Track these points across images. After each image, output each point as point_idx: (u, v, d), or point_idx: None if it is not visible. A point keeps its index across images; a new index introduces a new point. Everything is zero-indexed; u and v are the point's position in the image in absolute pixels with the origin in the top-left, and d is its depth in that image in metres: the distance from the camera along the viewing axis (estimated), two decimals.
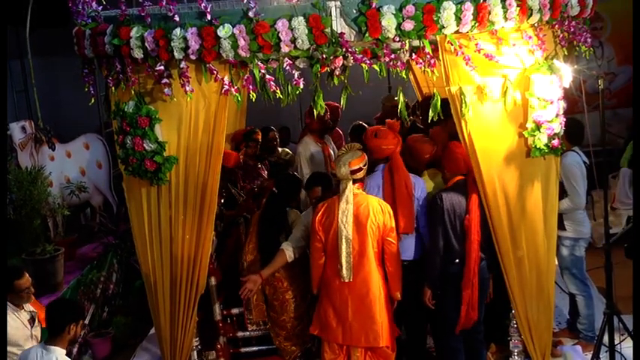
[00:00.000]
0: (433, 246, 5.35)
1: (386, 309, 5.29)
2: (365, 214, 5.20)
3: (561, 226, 5.99)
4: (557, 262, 5.93)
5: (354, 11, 4.61)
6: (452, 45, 4.73)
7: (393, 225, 5.28)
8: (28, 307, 4.85)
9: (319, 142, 7.16)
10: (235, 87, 4.83)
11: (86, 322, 6.60)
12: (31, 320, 4.75)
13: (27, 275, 4.80)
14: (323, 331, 5.40)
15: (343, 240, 5.19)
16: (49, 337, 4.24)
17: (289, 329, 5.77)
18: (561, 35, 5.14)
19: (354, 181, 5.27)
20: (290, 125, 9.97)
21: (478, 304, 5.38)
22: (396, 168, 5.45)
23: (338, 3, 4.60)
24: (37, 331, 4.80)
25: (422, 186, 5.55)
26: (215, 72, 4.77)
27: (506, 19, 4.70)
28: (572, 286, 6.13)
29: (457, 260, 5.32)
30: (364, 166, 5.31)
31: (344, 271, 5.21)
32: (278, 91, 4.78)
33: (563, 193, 5.92)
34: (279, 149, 7.78)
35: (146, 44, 4.72)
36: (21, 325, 4.70)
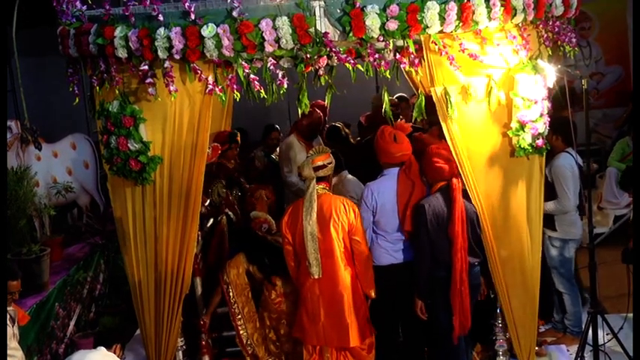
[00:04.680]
0: (420, 256, 5.30)
1: (356, 309, 5.30)
2: (328, 213, 5.23)
3: (552, 227, 6.01)
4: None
5: (338, 11, 4.60)
6: (436, 45, 4.73)
7: (359, 225, 5.29)
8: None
9: (303, 142, 7.20)
10: (219, 87, 4.83)
11: (73, 322, 6.59)
12: (11, 320, 4.77)
13: (20, 281, 4.81)
14: (301, 334, 5.42)
15: (309, 236, 5.21)
16: None
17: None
18: (545, 35, 5.16)
19: (319, 180, 5.30)
20: (279, 124, 9.95)
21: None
22: (414, 172, 5.38)
23: (322, 2, 4.60)
24: (16, 330, 4.83)
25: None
26: (199, 71, 4.77)
27: (490, 18, 4.70)
28: (560, 285, 6.16)
29: (444, 268, 5.24)
30: (328, 163, 5.33)
31: (312, 268, 5.24)
32: (262, 90, 4.78)
33: (553, 194, 5.94)
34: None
35: (130, 44, 4.71)
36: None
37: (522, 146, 5.01)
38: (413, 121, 5.14)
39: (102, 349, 4.73)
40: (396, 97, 7.98)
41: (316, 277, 5.26)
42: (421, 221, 5.23)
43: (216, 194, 6.35)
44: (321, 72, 4.76)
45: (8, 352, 4.68)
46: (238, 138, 6.90)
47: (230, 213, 6.37)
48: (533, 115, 4.95)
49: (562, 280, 6.13)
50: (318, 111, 7.16)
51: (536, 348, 5.58)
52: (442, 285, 5.26)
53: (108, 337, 5.20)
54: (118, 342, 4.98)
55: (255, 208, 6.07)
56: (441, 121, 5.01)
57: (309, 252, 5.24)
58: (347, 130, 7.91)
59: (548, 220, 5.92)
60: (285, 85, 4.72)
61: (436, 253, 5.25)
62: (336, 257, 5.26)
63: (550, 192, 5.84)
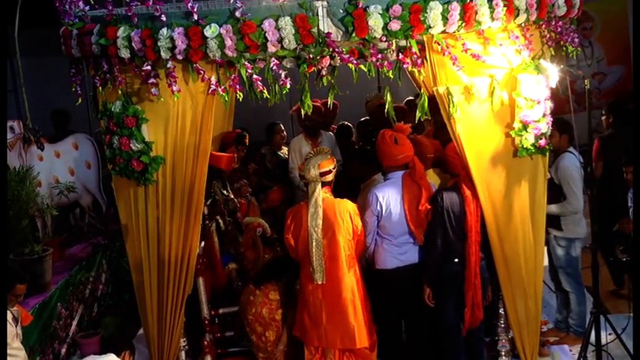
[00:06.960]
0: (431, 243, 5.30)
1: (362, 310, 5.30)
2: (334, 217, 5.22)
3: (557, 226, 6.01)
4: (547, 262, 5.96)
5: (341, 11, 4.60)
6: (439, 45, 4.73)
7: (363, 229, 5.31)
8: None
9: (309, 139, 7.25)
10: (222, 87, 4.83)
11: (75, 322, 6.59)
12: (14, 320, 4.78)
13: (26, 285, 4.84)
14: (302, 334, 5.42)
15: (313, 243, 5.20)
16: None
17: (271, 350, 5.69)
18: (548, 35, 5.16)
19: (323, 184, 5.28)
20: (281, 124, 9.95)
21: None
22: (419, 175, 5.36)
23: (325, 3, 4.60)
24: (19, 330, 4.85)
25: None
26: (202, 72, 4.77)
27: (493, 19, 4.70)
28: (567, 284, 6.15)
29: (456, 260, 5.28)
30: (333, 168, 5.32)
31: (316, 274, 5.22)
32: (265, 90, 4.78)
33: (560, 196, 5.93)
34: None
35: (133, 44, 4.72)
36: (7, 324, 4.73)
37: (525, 146, 5.01)
38: (415, 120, 5.12)
39: (111, 356, 4.73)
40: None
41: (320, 282, 5.24)
42: (437, 210, 5.24)
43: (219, 194, 6.35)
44: (323, 72, 4.77)
45: (11, 351, 4.69)
46: (246, 140, 6.90)
47: (220, 221, 6.34)
48: (536, 115, 4.95)
49: (569, 280, 6.13)
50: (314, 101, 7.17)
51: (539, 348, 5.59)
52: (453, 282, 5.28)
53: (116, 344, 5.18)
54: (127, 349, 4.98)
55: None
56: (445, 121, 5.02)
57: (313, 258, 5.22)
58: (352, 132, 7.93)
59: (554, 220, 5.92)
60: (288, 86, 4.73)
61: (449, 243, 5.25)
62: (341, 262, 5.25)
63: (555, 193, 5.83)
